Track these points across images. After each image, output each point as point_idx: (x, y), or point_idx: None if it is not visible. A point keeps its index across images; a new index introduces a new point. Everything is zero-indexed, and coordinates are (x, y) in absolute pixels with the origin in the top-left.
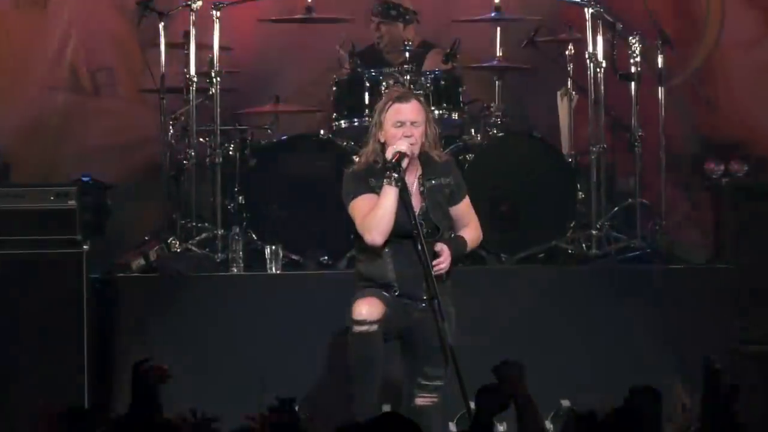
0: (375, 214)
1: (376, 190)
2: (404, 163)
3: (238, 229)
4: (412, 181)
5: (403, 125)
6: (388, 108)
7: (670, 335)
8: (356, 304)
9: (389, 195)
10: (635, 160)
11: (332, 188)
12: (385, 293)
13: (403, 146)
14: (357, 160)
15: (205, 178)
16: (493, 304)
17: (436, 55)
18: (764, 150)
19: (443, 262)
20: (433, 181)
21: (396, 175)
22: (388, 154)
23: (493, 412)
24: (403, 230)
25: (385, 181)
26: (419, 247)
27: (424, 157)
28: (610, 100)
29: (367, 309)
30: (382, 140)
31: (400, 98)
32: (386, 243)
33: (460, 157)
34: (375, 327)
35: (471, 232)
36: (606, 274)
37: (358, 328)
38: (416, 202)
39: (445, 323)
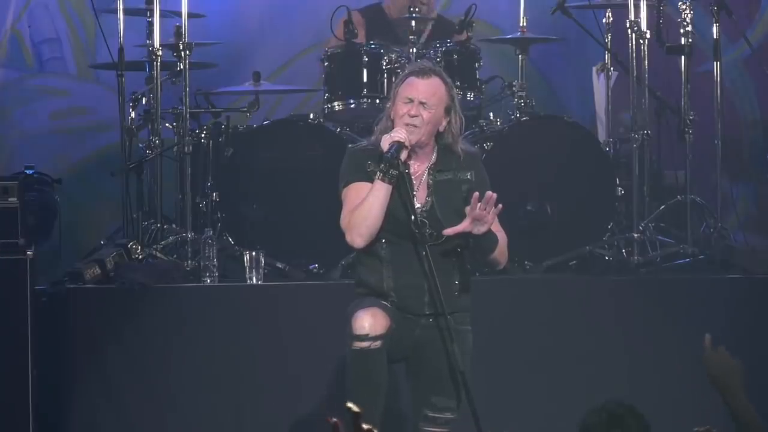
0: (359, 213)
1: (373, 177)
2: (402, 155)
3: (211, 232)
4: (422, 171)
5: (411, 102)
6: (403, 81)
7: None
8: (357, 316)
9: (378, 193)
10: (686, 150)
11: (323, 183)
12: (385, 303)
13: (400, 135)
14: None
15: (171, 171)
16: (514, 320)
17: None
18: None
19: (485, 216)
20: (448, 174)
21: (393, 171)
22: (383, 145)
23: None
24: (403, 229)
25: (377, 174)
26: (422, 252)
27: (442, 146)
28: (656, 78)
29: (370, 322)
30: (393, 117)
31: (419, 72)
32: (384, 244)
33: (476, 146)
34: (378, 343)
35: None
36: (650, 285)
37: (358, 344)
38: (422, 196)
39: (455, 345)
